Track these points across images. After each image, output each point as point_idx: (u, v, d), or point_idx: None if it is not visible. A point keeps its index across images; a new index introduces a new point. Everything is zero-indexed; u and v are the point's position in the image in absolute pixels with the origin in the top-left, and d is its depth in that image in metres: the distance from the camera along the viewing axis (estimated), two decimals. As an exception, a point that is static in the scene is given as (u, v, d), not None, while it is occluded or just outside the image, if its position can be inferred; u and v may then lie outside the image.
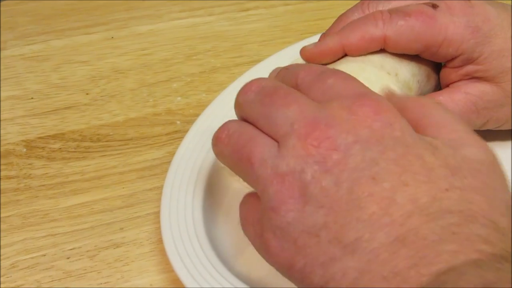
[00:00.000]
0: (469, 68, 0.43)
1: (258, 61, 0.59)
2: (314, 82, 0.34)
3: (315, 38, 0.54)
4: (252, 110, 0.35)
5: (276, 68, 0.39)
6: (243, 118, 0.36)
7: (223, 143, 0.35)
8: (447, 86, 0.45)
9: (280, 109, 0.33)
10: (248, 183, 0.34)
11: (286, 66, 0.38)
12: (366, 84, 0.38)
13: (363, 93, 0.33)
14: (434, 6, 0.42)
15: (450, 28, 0.41)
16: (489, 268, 0.26)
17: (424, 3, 0.42)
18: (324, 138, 0.31)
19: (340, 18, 0.46)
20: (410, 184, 0.29)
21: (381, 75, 0.41)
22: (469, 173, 0.30)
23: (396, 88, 0.41)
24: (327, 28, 0.62)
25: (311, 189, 0.30)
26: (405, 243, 0.28)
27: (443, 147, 0.31)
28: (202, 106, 0.55)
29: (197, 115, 0.54)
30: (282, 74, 0.37)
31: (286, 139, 0.32)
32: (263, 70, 0.52)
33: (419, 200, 0.29)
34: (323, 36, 0.46)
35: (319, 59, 0.43)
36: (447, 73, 0.44)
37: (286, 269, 0.32)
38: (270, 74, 0.39)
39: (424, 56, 0.43)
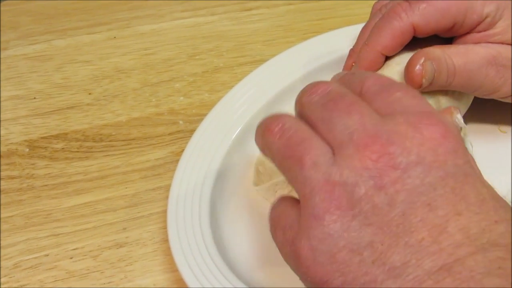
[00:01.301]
0: (490, 32, 0.42)
1: (261, 60, 0.59)
2: (380, 92, 0.33)
3: (318, 38, 0.55)
4: (313, 111, 0.33)
5: (340, 72, 0.38)
6: (302, 117, 0.34)
7: (275, 135, 0.33)
8: None
9: (342, 116, 0.31)
10: (292, 183, 0.32)
11: (353, 71, 0.37)
12: None
13: (431, 112, 0.31)
14: None
15: None
16: None
17: None
18: (383, 153, 0.29)
19: (362, 30, 0.46)
20: (463, 214, 0.29)
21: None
22: (506, 204, 0.30)
23: None
24: (329, 28, 0.63)
25: (362, 205, 0.29)
26: (451, 272, 0.27)
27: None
28: (204, 106, 0.55)
29: (200, 115, 0.54)
30: (347, 79, 0.36)
31: (343, 148, 0.30)
32: (267, 70, 0.52)
33: (470, 230, 0.28)
34: (352, 52, 0.46)
35: None
36: (469, 39, 0.43)
37: (317, 283, 0.30)
38: (333, 77, 0.38)
39: (453, 31, 0.43)
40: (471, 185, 0.30)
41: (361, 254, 0.29)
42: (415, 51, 0.42)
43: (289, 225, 0.32)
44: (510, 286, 0.26)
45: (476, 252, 0.28)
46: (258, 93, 0.51)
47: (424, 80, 0.41)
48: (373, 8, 0.49)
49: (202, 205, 0.43)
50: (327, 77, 0.50)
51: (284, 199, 0.34)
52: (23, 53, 0.62)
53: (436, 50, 0.42)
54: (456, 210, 0.29)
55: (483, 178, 0.31)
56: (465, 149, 0.31)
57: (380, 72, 0.43)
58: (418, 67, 0.40)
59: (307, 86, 0.35)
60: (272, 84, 0.51)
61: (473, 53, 0.42)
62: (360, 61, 0.43)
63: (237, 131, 0.48)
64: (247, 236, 0.43)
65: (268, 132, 0.33)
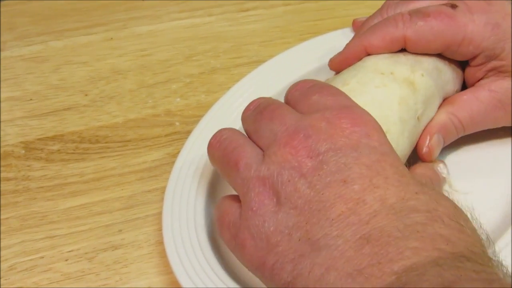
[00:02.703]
0: (493, 63, 0.43)
1: (257, 61, 0.59)
2: (301, 98, 0.38)
3: (316, 40, 0.54)
4: (248, 124, 0.38)
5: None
6: (245, 131, 0.39)
7: (215, 147, 0.38)
8: (473, 85, 0.45)
9: (267, 122, 0.36)
10: (233, 186, 0.36)
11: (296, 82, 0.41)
12: (357, 89, 0.40)
13: (347, 106, 0.35)
14: (453, 6, 0.42)
15: (470, 26, 0.42)
16: (449, 267, 0.27)
17: (443, 4, 0.43)
18: (301, 146, 0.33)
19: (362, 25, 0.47)
20: (381, 187, 0.31)
21: (372, 77, 0.41)
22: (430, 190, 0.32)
23: (394, 86, 0.41)
24: (326, 29, 0.63)
25: (287, 191, 0.33)
26: (369, 240, 0.29)
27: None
28: (201, 107, 0.55)
29: (197, 116, 0.54)
30: (289, 89, 0.40)
31: (270, 148, 0.35)
32: (264, 71, 0.52)
33: (387, 200, 0.30)
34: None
35: (345, 65, 0.44)
36: (472, 72, 0.44)
37: (257, 267, 0.33)
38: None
39: (446, 55, 0.43)
40: (389, 163, 0.32)
41: (290, 234, 0.32)
42: (364, 69, 0.43)
43: (233, 223, 0.35)
44: (429, 249, 0.28)
45: (394, 219, 0.30)
46: (255, 94, 0.50)
47: (434, 155, 0.43)
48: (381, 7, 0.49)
49: (197, 207, 0.43)
50: (325, 78, 0.50)
51: (225, 199, 0.38)
52: (20, 54, 0.62)
53: (440, 117, 0.43)
54: (372, 184, 0.31)
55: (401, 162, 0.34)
56: (382, 135, 0.34)
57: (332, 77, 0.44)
58: (425, 149, 0.42)
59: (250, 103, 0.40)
60: (269, 85, 0.51)
61: (477, 103, 0.43)
62: (345, 50, 0.45)
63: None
64: None
65: (210, 146, 0.39)
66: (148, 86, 0.58)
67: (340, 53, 0.45)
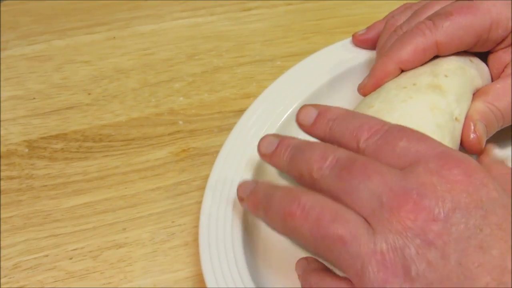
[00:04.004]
0: None
1: (260, 60, 0.60)
2: (383, 146, 0.33)
3: (327, 50, 0.53)
4: (330, 185, 0.32)
5: (309, 110, 0.37)
6: (318, 191, 0.33)
7: (299, 219, 0.32)
8: (500, 73, 0.44)
9: (362, 182, 0.31)
10: (337, 263, 0.31)
11: (331, 118, 0.36)
12: (383, 109, 0.38)
13: (445, 153, 0.31)
14: None
15: (493, 10, 0.41)
16: None
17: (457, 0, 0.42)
18: (419, 209, 0.29)
19: (379, 42, 0.46)
20: None
21: (396, 93, 0.40)
22: None
23: (420, 96, 0.40)
24: (328, 28, 0.63)
25: (418, 266, 0.29)
26: None
27: None
28: (204, 106, 0.55)
29: (200, 115, 0.54)
30: (325, 127, 0.36)
31: (377, 214, 0.30)
32: (287, 81, 0.50)
33: None
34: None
35: (378, 86, 0.42)
36: (498, 57, 0.43)
37: None
38: (302, 114, 0.37)
39: (477, 47, 0.43)
40: None
41: None
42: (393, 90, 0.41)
43: None
44: None
45: None
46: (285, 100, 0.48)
47: (483, 141, 0.40)
48: (387, 22, 0.48)
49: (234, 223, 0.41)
50: (339, 89, 0.49)
51: (322, 277, 0.33)
52: (22, 53, 0.62)
53: (477, 105, 0.41)
54: (509, 246, 0.28)
55: None
56: (493, 180, 0.31)
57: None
58: (472, 135, 0.40)
59: (306, 157, 0.34)
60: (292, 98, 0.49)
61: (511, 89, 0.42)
62: (376, 71, 0.42)
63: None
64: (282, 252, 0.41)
65: (290, 217, 0.32)
66: (151, 85, 0.58)
67: (370, 76, 0.42)
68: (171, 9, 0.66)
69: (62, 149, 0.52)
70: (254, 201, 0.36)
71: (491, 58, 0.44)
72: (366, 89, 0.43)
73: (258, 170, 0.44)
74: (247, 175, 0.43)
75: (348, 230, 0.30)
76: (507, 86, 0.42)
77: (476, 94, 0.42)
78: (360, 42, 0.51)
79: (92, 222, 0.47)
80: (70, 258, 0.45)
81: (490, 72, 0.45)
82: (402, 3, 0.62)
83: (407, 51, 0.41)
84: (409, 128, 0.34)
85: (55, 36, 0.64)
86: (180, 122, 0.54)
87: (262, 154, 0.38)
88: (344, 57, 0.51)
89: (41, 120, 0.55)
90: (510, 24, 0.41)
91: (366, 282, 0.29)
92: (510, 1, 0.41)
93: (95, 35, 0.64)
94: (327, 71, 0.50)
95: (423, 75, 0.41)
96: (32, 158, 0.52)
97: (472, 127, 0.40)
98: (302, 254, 0.38)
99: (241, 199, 0.38)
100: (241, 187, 0.38)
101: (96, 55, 0.61)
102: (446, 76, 0.41)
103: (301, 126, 0.37)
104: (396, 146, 0.32)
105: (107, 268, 0.44)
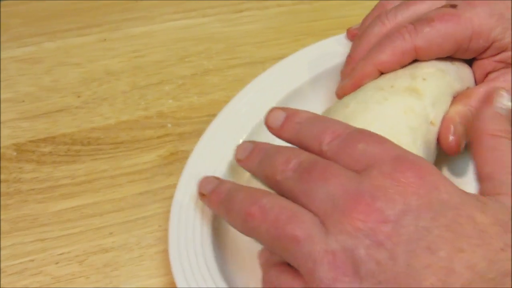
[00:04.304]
0: (504, 55, 0.42)
1: (251, 63, 0.59)
2: (343, 149, 0.33)
3: (316, 46, 0.54)
4: (291, 187, 0.34)
5: (277, 112, 0.38)
6: (280, 193, 0.34)
7: (258, 219, 0.33)
8: (483, 79, 0.44)
9: (320, 185, 0.32)
10: (291, 261, 0.32)
11: (298, 121, 0.37)
12: (358, 109, 0.38)
13: (400, 156, 0.32)
14: (453, 6, 0.42)
15: (475, 20, 0.41)
16: None
17: (442, 6, 0.43)
18: (371, 210, 0.30)
19: (363, 35, 0.45)
20: (466, 250, 0.29)
21: (372, 94, 0.41)
22: None
23: (396, 98, 0.40)
24: (321, 30, 0.62)
25: (367, 265, 0.29)
26: None
27: (490, 201, 0.31)
28: (193, 109, 0.55)
29: (189, 117, 0.54)
30: (293, 130, 0.36)
31: (330, 215, 0.31)
32: (264, 81, 0.51)
33: (476, 266, 0.29)
34: (350, 59, 0.45)
35: (357, 87, 0.43)
36: (481, 65, 0.44)
37: None
38: (270, 117, 0.38)
39: (458, 55, 0.43)
40: (465, 217, 0.30)
41: None
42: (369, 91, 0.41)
43: None
44: None
45: (488, 287, 0.28)
46: (266, 97, 0.49)
47: (462, 144, 0.41)
48: (376, 5, 0.48)
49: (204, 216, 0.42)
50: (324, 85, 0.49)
51: (278, 273, 0.34)
52: (13, 55, 0.62)
53: (458, 108, 0.41)
54: (457, 248, 0.29)
55: (474, 197, 0.31)
56: (445, 180, 0.31)
57: (330, 113, 0.42)
58: (451, 138, 0.40)
59: (272, 160, 0.35)
60: (269, 97, 0.49)
61: None
62: (356, 73, 0.43)
63: (244, 136, 0.47)
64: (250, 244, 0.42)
65: (250, 218, 0.33)
66: (141, 88, 0.57)
67: (350, 78, 0.43)
68: (163, 11, 0.66)
69: (50, 152, 0.52)
70: (216, 200, 0.37)
71: (475, 64, 0.44)
72: (344, 91, 0.44)
73: (229, 173, 0.45)
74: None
75: (303, 230, 0.31)
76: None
77: (458, 97, 0.43)
78: (354, 36, 0.50)
79: (79, 227, 0.47)
80: (57, 263, 0.44)
81: (474, 77, 0.45)
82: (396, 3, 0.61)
83: (386, 53, 0.42)
84: (370, 132, 0.34)
85: (46, 38, 0.63)
86: (169, 125, 0.54)
87: (237, 159, 0.39)
88: (323, 56, 0.52)
89: (30, 123, 0.55)
90: (492, 35, 0.41)
91: (316, 281, 0.30)
92: (496, 14, 0.41)
93: (85, 37, 0.63)
94: (305, 71, 0.51)
95: (402, 77, 0.42)
96: (20, 162, 0.51)
97: (452, 129, 0.40)
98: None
99: (201, 195, 0.39)
100: (202, 183, 0.40)
101: (86, 57, 0.61)
102: (424, 79, 0.41)
103: (270, 128, 0.38)
104: (354, 149, 0.33)
105: (93, 273, 0.44)
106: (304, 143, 0.36)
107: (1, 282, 0.43)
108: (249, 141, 0.39)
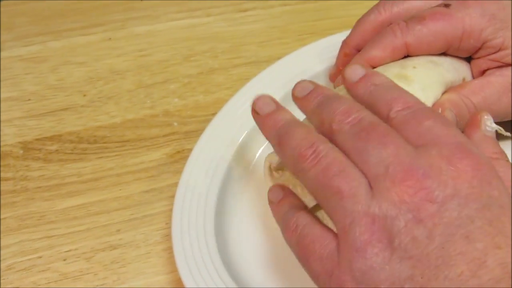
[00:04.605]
0: (497, 55, 0.43)
1: (256, 62, 0.59)
2: (410, 120, 0.33)
3: (317, 44, 0.54)
4: (345, 141, 0.33)
5: (356, 68, 0.37)
6: (333, 142, 0.34)
7: (310, 163, 0.33)
8: (481, 74, 0.45)
9: (377, 147, 0.32)
10: (329, 213, 0.32)
11: (375, 83, 0.36)
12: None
13: (462, 144, 0.32)
14: (447, 5, 0.42)
15: (466, 20, 0.42)
16: None
17: (436, 5, 0.43)
18: (420, 187, 0.30)
19: (359, 22, 0.47)
20: (503, 248, 0.29)
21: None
22: None
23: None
24: (325, 29, 0.63)
25: (402, 238, 0.29)
26: None
27: None
28: (199, 107, 0.55)
29: (195, 116, 0.54)
30: (367, 89, 0.36)
31: (380, 180, 0.31)
32: (267, 76, 0.52)
33: (508, 265, 0.28)
34: (345, 44, 0.47)
35: None
36: (478, 64, 0.44)
37: None
38: (349, 70, 0.37)
39: (450, 52, 0.44)
40: (508, 217, 0.30)
41: (402, 286, 0.29)
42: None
43: (327, 256, 0.32)
44: None
45: None
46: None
47: None
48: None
49: (207, 209, 0.43)
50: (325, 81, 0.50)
51: (312, 225, 0.34)
52: (18, 54, 0.62)
53: (450, 96, 0.42)
54: (495, 243, 0.29)
55: None
56: (499, 179, 0.31)
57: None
58: None
59: (332, 107, 0.34)
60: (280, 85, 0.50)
61: (489, 87, 0.43)
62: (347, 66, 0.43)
63: (243, 135, 0.48)
64: (253, 237, 0.43)
65: (301, 158, 0.33)
66: (146, 87, 0.58)
67: (341, 73, 0.43)
68: (167, 10, 0.66)
69: (56, 150, 0.52)
70: (271, 126, 0.36)
71: (472, 64, 0.45)
72: (333, 77, 0.47)
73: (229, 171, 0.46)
74: (218, 174, 0.45)
75: (349, 186, 0.31)
76: (485, 83, 0.43)
77: (454, 88, 0.43)
78: (334, 77, 0.50)
79: (86, 224, 0.47)
80: (64, 260, 0.45)
81: (472, 75, 0.45)
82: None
83: (378, 49, 0.43)
84: (440, 114, 0.34)
85: (51, 37, 0.64)
86: (175, 124, 0.54)
87: (294, 97, 0.38)
88: (324, 54, 0.53)
89: (36, 122, 0.55)
90: (482, 35, 0.42)
91: (350, 239, 0.30)
92: (487, 14, 0.42)
93: (90, 36, 0.64)
94: (307, 68, 0.52)
95: (392, 67, 0.43)
96: (26, 160, 0.52)
97: (439, 112, 0.41)
98: (272, 250, 0.41)
99: (255, 112, 0.38)
100: (259, 102, 0.38)
101: (91, 56, 0.61)
102: (414, 67, 0.42)
103: (345, 81, 0.38)
104: (421, 124, 0.33)
105: (101, 270, 0.44)
106: (375, 104, 0.35)
107: (10, 279, 0.44)
108: (309, 81, 0.38)
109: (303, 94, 0.37)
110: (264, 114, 0.37)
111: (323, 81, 0.50)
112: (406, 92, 0.35)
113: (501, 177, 0.33)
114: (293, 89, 0.38)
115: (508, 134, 0.39)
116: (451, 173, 0.30)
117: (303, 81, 0.38)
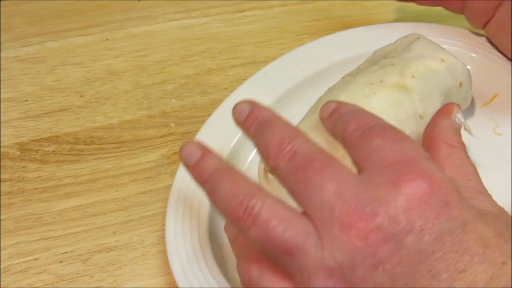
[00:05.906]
0: None
1: (253, 62, 0.59)
2: (359, 141, 0.32)
3: (314, 44, 0.54)
4: (285, 181, 0.32)
5: (330, 104, 0.37)
6: (276, 177, 0.33)
7: (245, 221, 0.31)
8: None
9: (317, 188, 0.30)
10: (284, 269, 0.31)
11: (342, 108, 0.36)
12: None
13: (413, 160, 0.30)
14: None
15: None
16: None
17: None
18: (371, 228, 0.28)
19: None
20: (467, 270, 0.28)
21: (362, 88, 0.42)
22: (509, 233, 0.29)
23: (384, 92, 0.41)
24: (323, 29, 0.63)
25: (364, 286, 0.28)
26: None
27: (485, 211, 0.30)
28: (196, 108, 0.55)
29: (192, 117, 0.54)
30: (334, 120, 0.35)
31: (327, 227, 0.29)
32: (264, 76, 0.52)
33: (477, 284, 0.27)
34: None
35: None
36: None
37: None
38: (323, 108, 0.37)
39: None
40: (472, 233, 0.29)
41: None
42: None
43: None
44: None
45: None
46: (263, 93, 0.50)
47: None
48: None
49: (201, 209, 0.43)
50: (335, 76, 0.49)
51: (267, 275, 0.32)
52: (16, 55, 0.62)
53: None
54: (458, 269, 0.28)
55: (476, 208, 0.30)
56: (457, 194, 0.30)
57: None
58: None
59: (267, 138, 0.33)
60: (268, 92, 0.50)
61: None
62: None
63: (236, 138, 0.48)
64: None
65: (235, 219, 0.31)
66: (144, 87, 0.58)
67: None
68: (165, 10, 0.66)
69: (53, 151, 0.52)
70: (199, 178, 0.34)
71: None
72: None
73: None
74: None
75: (296, 241, 0.29)
76: None
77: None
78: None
79: (82, 225, 0.47)
80: (60, 262, 0.45)
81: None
82: (394, 4, 0.62)
83: None
84: (394, 128, 0.33)
85: (49, 38, 0.64)
86: (172, 125, 0.54)
87: (235, 122, 0.36)
88: (321, 54, 0.53)
89: (33, 123, 0.55)
90: None
91: None
92: None
93: (88, 37, 0.63)
94: (304, 67, 0.52)
95: (391, 73, 0.43)
96: (23, 161, 0.52)
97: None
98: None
99: (186, 164, 0.35)
100: (185, 150, 0.35)
101: (89, 57, 0.61)
102: (413, 77, 0.42)
103: (322, 119, 0.37)
104: (369, 144, 0.31)
105: (97, 272, 0.44)
106: (335, 129, 0.35)
107: (6, 281, 0.44)
108: (246, 102, 0.36)
109: (242, 119, 0.36)
110: (191, 165, 0.34)
111: (322, 80, 0.50)
112: (366, 113, 0.34)
113: (458, 165, 0.33)
114: (232, 112, 0.36)
115: (473, 134, 0.39)
116: (401, 203, 0.28)
117: (240, 103, 0.36)
